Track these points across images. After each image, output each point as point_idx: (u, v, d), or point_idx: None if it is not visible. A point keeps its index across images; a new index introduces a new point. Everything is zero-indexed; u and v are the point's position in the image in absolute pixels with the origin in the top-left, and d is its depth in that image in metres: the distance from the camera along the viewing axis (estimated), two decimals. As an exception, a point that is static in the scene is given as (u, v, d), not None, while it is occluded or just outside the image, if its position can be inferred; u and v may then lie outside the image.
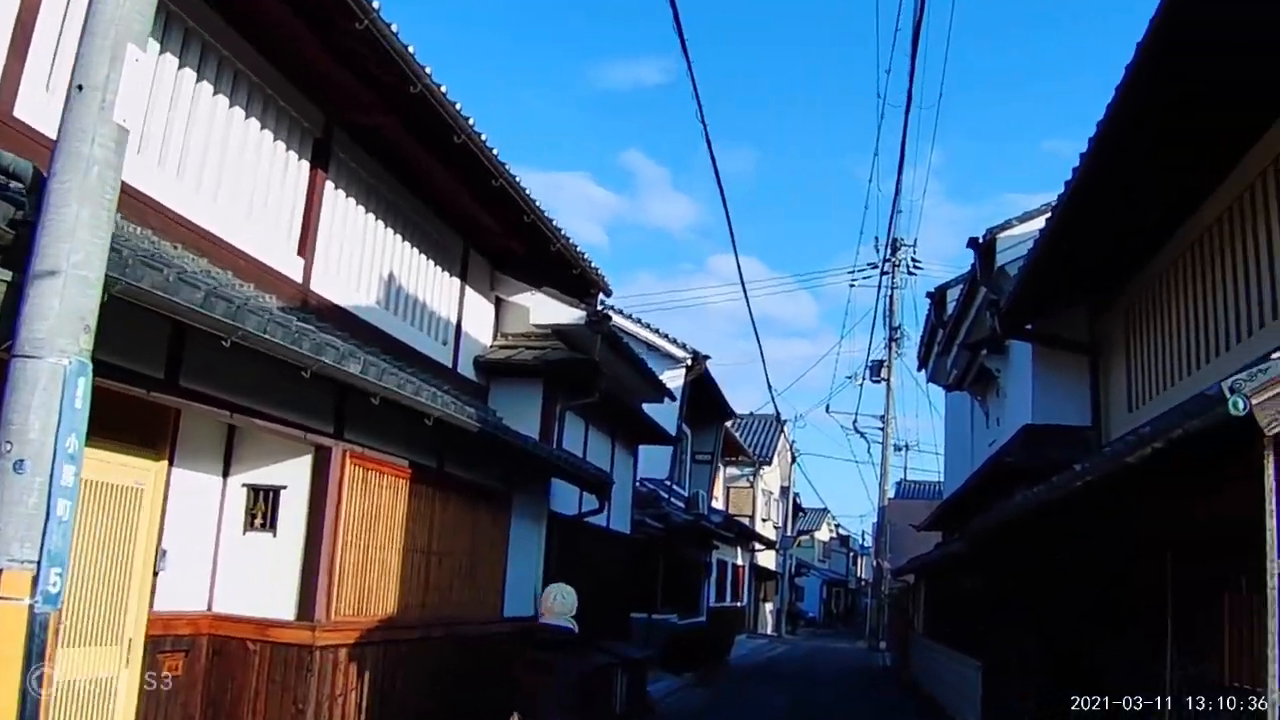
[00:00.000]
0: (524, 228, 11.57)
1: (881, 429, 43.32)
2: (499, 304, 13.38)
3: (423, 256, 11.47)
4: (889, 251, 38.68)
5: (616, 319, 21.85)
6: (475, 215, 11.61)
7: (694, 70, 9.16)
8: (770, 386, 49.69)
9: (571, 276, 12.84)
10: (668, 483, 22.80)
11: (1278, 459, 4.70)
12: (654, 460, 22.76)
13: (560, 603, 6.99)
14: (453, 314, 12.15)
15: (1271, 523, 4.66)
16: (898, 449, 49.18)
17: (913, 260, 39.85)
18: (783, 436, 46.72)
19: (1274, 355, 4.79)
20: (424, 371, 10.11)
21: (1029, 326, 13.26)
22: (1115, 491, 7.02)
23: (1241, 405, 4.55)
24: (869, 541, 57.50)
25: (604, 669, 13.16)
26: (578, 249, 12.55)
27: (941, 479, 30.95)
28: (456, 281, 12.27)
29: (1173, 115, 7.77)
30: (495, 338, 13.24)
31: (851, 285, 43.89)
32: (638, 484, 21.78)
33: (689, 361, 22.95)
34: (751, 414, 41.99)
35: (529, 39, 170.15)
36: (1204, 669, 6.33)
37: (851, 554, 75.52)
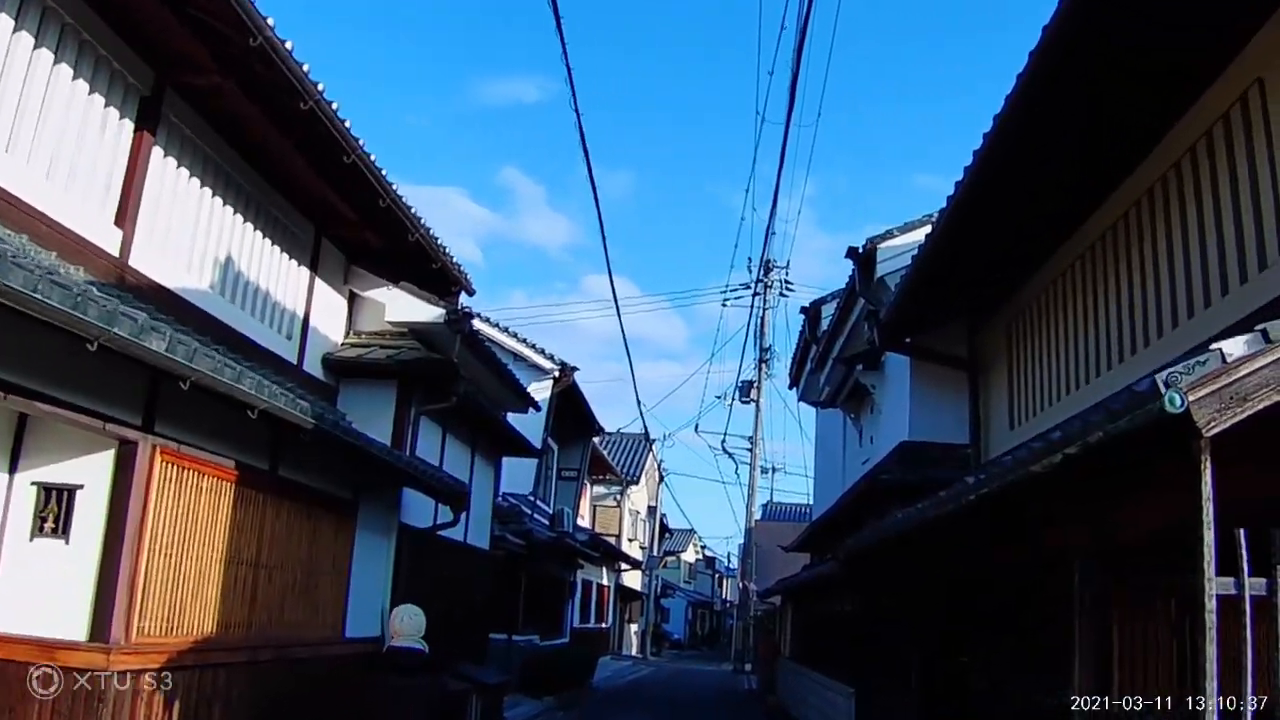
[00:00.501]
0: (379, 214, 10.64)
1: (750, 450, 43.04)
2: (353, 300, 12.40)
3: (267, 241, 10.44)
4: (762, 272, 38.56)
5: (482, 327, 21.03)
6: (327, 198, 10.65)
7: (575, 83, 8.43)
8: (640, 402, 49.25)
9: (431, 271, 11.94)
10: (531, 498, 21.91)
11: (1214, 463, 4.13)
12: (518, 474, 21.86)
13: (409, 624, 6.92)
14: (300, 307, 11.13)
15: (1209, 535, 4.08)
16: (765, 471, 49.19)
17: (785, 282, 39.75)
18: (651, 456, 46.38)
19: (1213, 347, 4.24)
20: (264, 367, 9.11)
21: (908, 340, 12.85)
22: (1015, 503, 6.47)
23: (1178, 402, 3.97)
24: (735, 563, 57.37)
25: (458, 695, 12.22)
26: (438, 241, 11.66)
27: (811, 501, 30.75)
28: (306, 272, 11.26)
29: (1067, 118, 7.47)
30: (348, 335, 12.25)
31: (724, 304, 43.40)
32: (500, 499, 20.88)
33: (556, 373, 22.16)
34: (620, 432, 41.35)
35: (406, 49, 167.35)
36: (1105, 692, 5.83)
37: (717, 576, 75.56)
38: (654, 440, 45.38)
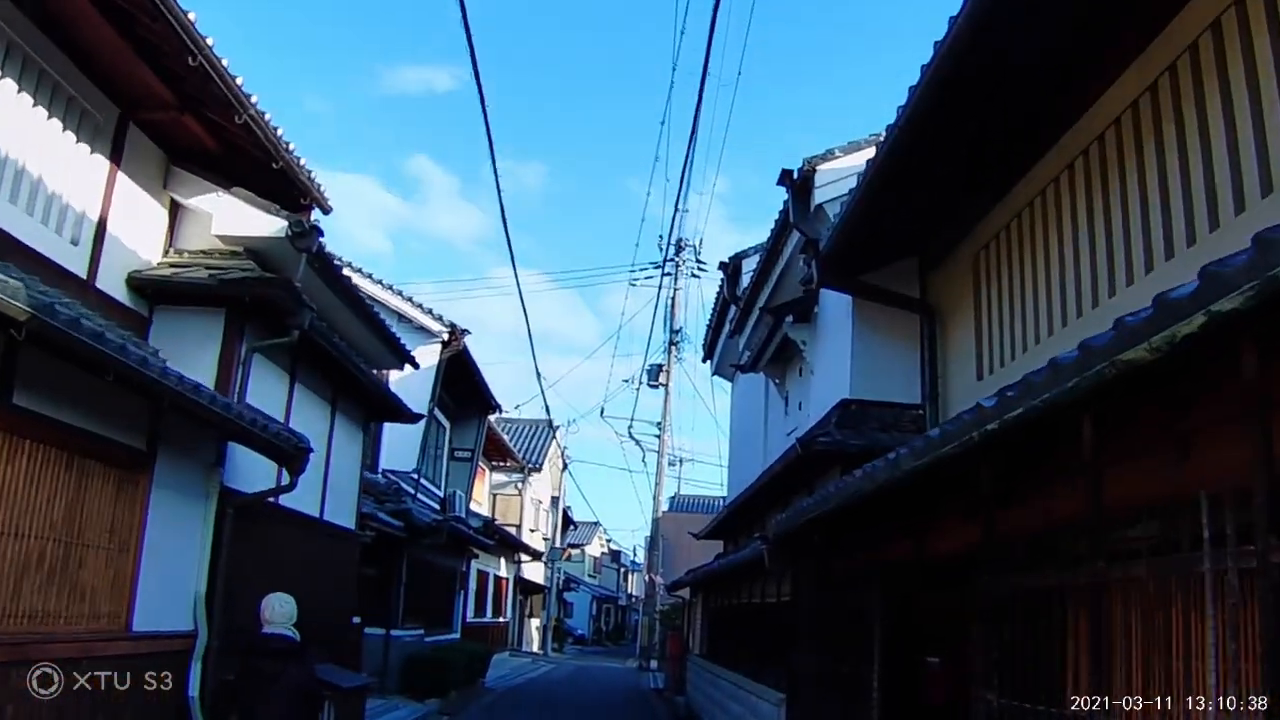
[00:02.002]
0: (194, 82, 8.21)
1: (658, 436, 41.07)
2: (176, 210, 9.89)
3: (42, 111, 7.92)
4: (673, 251, 36.52)
5: (362, 282, 18.54)
6: (121, 59, 8.17)
7: (480, 71, 6.15)
8: (539, 374, 46.30)
9: (272, 174, 9.48)
10: (415, 476, 19.44)
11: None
12: (405, 450, 19.45)
13: (280, 611, 7.04)
14: (93, 206, 8.60)
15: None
16: (673, 464, 47.45)
17: (698, 261, 37.72)
18: (555, 443, 44.25)
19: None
20: (29, 275, 6.68)
21: (855, 276, 10.78)
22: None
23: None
24: (641, 558, 55.54)
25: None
26: (280, 134, 9.24)
27: (725, 488, 28.75)
28: (104, 163, 8.74)
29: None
30: (167, 255, 9.76)
31: (632, 284, 41.42)
32: (378, 474, 18.44)
33: (445, 335, 19.71)
34: (518, 410, 39.01)
35: (316, 33, 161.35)
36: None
37: (623, 570, 74.61)
38: (558, 427, 43.25)
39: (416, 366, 14.73)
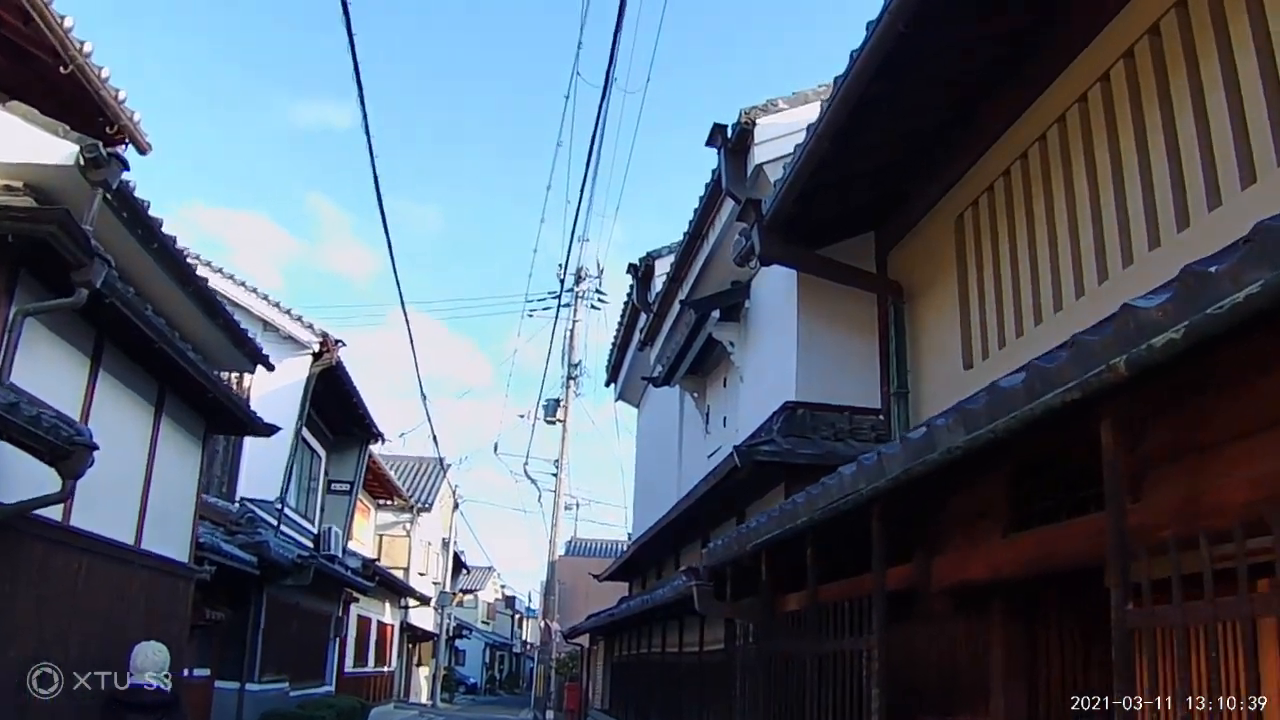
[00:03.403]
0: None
1: (555, 474, 38.80)
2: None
3: None
4: (572, 281, 34.37)
5: (217, 280, 16.08)
6: None
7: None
8: (425, 398, 42.66)
9: (59, 81, 7.22)
10: (278, 507, 16.92)
11: None
12: (268, 476, 16.92)
13: (150, 660, 6.83)
14: None
15: None
16: (569, 507, 45.19)
17: (598, 292, 35.47)
18: (446, 483, 41.70)
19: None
20: None
21: (806, 248, 8.87)
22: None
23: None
24: (537, 603, 53.10)
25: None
26: (72, 35, 6.98)
27: (629, 524, 26.58)
28: None
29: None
30: (-82, 192, 7.37)
31: (530, 314, 39.22)
32: (235, 502, 15.93)
33: (316, 346, 17.28)
34: (403, 439, 36.59)
35: (211, 64, 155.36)
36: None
37: (518, 616, 72.61)
38: (450, 465, 40.81)
39: (270, 368, 12.32)
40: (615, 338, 19.98)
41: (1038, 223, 6.58)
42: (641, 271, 15.84)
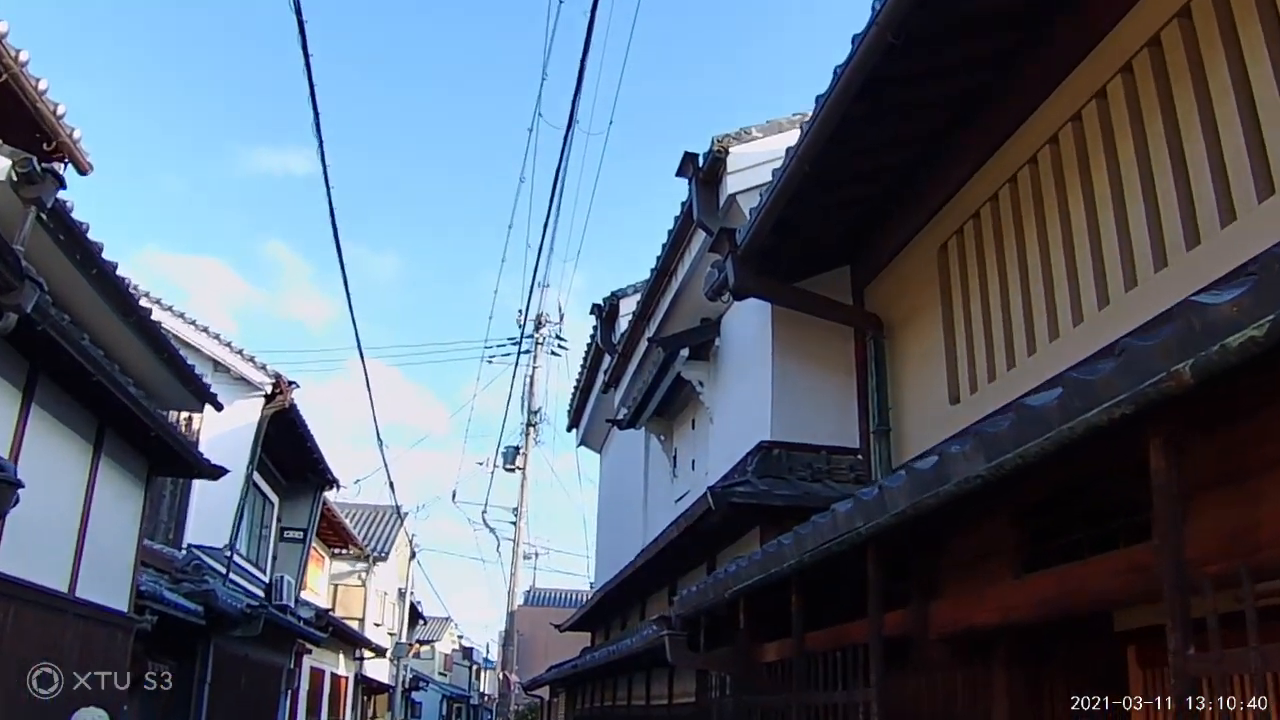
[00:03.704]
0: None
1: (514, 523, 38.14)
2: None
3: None
4: (532, 327, 33.87)
5: (165, 318, 15.56)
6: None
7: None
8: (381, 443, 41.67)
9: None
10: (228, 554, 16.26)
11: None
12: (217, 523, 16.27)
13: None
14: None
15: None
16: (528, 556, 44.44)
17: (558, 338, 34.90)
18: (403, 532, 40.89)
19: None
20: None
21: (782, 281, 8.55)
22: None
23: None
24: (495, 654, 52.21)
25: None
26: (4, 38, 6.55)
27: (591, 574, 26.00)
28: None
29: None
30: None
31: (489, 360, 38.71)
32: (181, 549, 15.29)
33: (269, 388, 16.73)
34: (359, 486, 35.88)
35: (170, 113, 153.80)
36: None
37: (475, 668, 71.28)
38: (407, 513, 40.02)
39: (219, 408, 11.78)
40: (577, 381, 19.55)
41: (1029, 248, 6.28)
42: (605, 311, 15.45)
